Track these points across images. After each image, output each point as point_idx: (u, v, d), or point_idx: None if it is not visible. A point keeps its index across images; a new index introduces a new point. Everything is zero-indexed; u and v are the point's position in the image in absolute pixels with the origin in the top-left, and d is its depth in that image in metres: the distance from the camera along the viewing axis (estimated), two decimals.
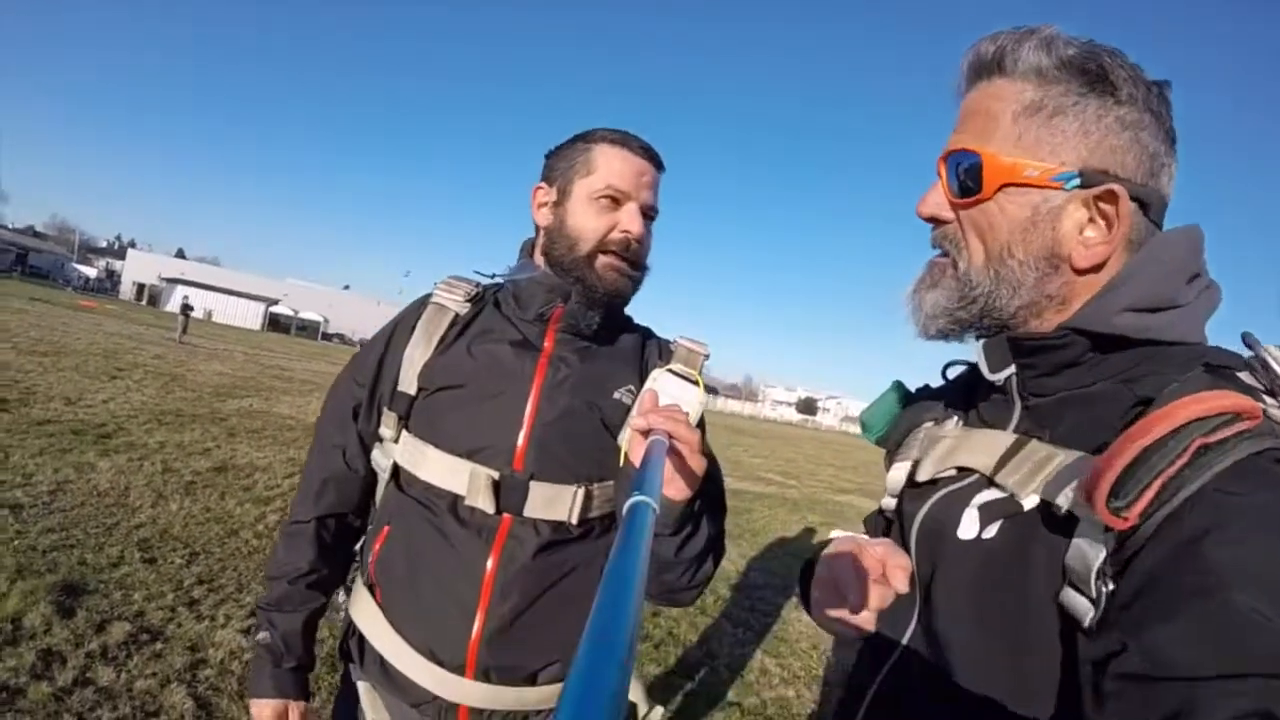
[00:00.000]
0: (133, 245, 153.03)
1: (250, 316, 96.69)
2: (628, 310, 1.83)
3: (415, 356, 1.70)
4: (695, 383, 1.38)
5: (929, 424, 1.21)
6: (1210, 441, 0.77)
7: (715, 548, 1.57)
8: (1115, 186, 0.91)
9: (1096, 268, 0.96)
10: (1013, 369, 1.02)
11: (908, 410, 1.28)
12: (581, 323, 1.68)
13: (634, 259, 1.67)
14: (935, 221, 1.06)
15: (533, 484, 1.59)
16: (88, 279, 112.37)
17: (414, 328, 1.73)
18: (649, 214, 1.69)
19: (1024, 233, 0.97)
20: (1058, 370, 0.99)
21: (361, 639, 1.67)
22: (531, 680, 1.61)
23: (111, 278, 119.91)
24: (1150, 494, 0.76)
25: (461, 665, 1.56)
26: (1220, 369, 0.88)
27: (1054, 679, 0.87)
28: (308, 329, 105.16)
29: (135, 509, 6.46)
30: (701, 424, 1.46)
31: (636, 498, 0.67)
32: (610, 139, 1.67)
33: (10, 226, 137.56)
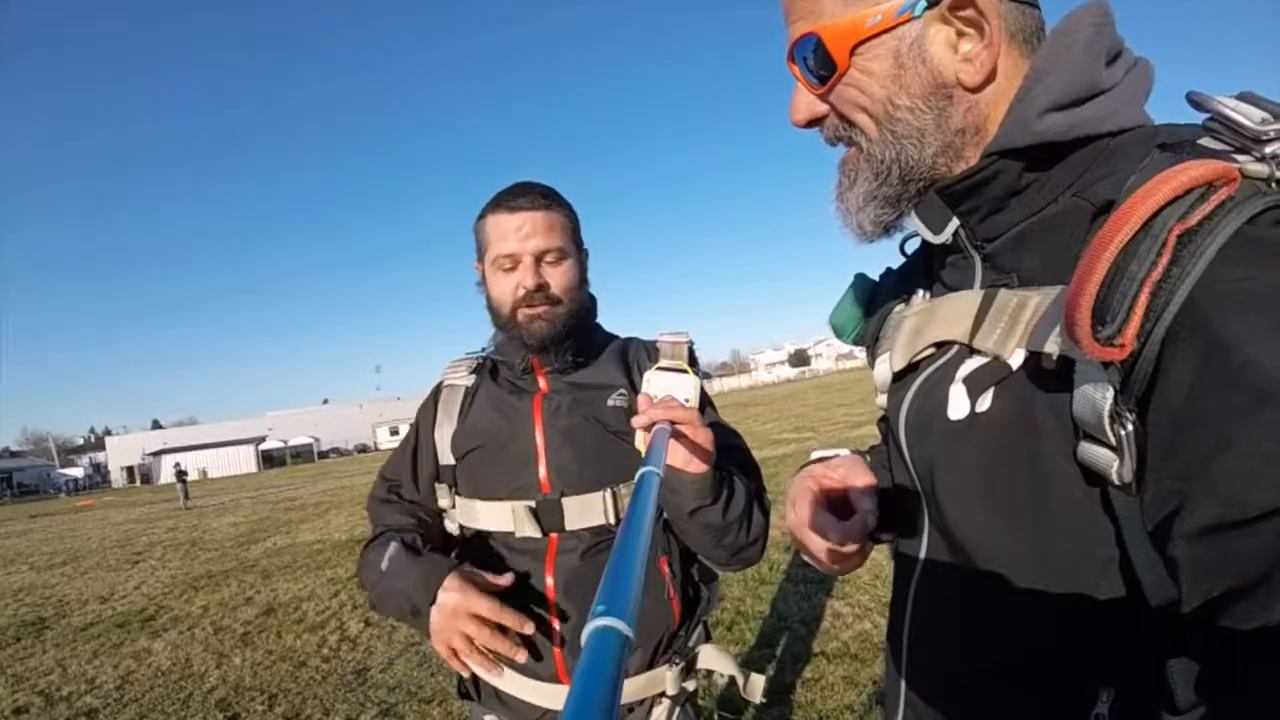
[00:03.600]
0: (108, 433, 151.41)
1: (243, 462, 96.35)
2: (616, 330, 2.07)
3: (444, 434, 1.92)
4: (684, 371, 1.50)
5: (900, 308, 1.14)
6: (1190, 224, 0.67)
7: (759, 500, 1.74)
8: None
9: (992, 77, 0.87)
10: (955, 222, 0.94)
11: (876, 300, 1.24)
12: (554, 363, 1.86)
13: (548, 301, 1.80)
14: (815, 123, 1.00)
15: (564, 500, 1.74)
16: (76, 480, 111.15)
17: (435, 414, 1.96)
18: (545, 258, 1.80)
19: (896, 81, 0.89)
20: (1001, 204, 0.90)
21: (475, 677, 1.81)
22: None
23: (99, 470, 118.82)
24: (1140, 309, 0.67)
25: (555, 674, 1.72)
26: (1178, 146, 0.77)
27: (1087, 547, 0.80)
28: (302, 454, 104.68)
29: (202, 675, 6.51)
30: (705, 403, 1.61)
31: (643, 469, 0.76)
32: (491, 208, 1.83)
33: None
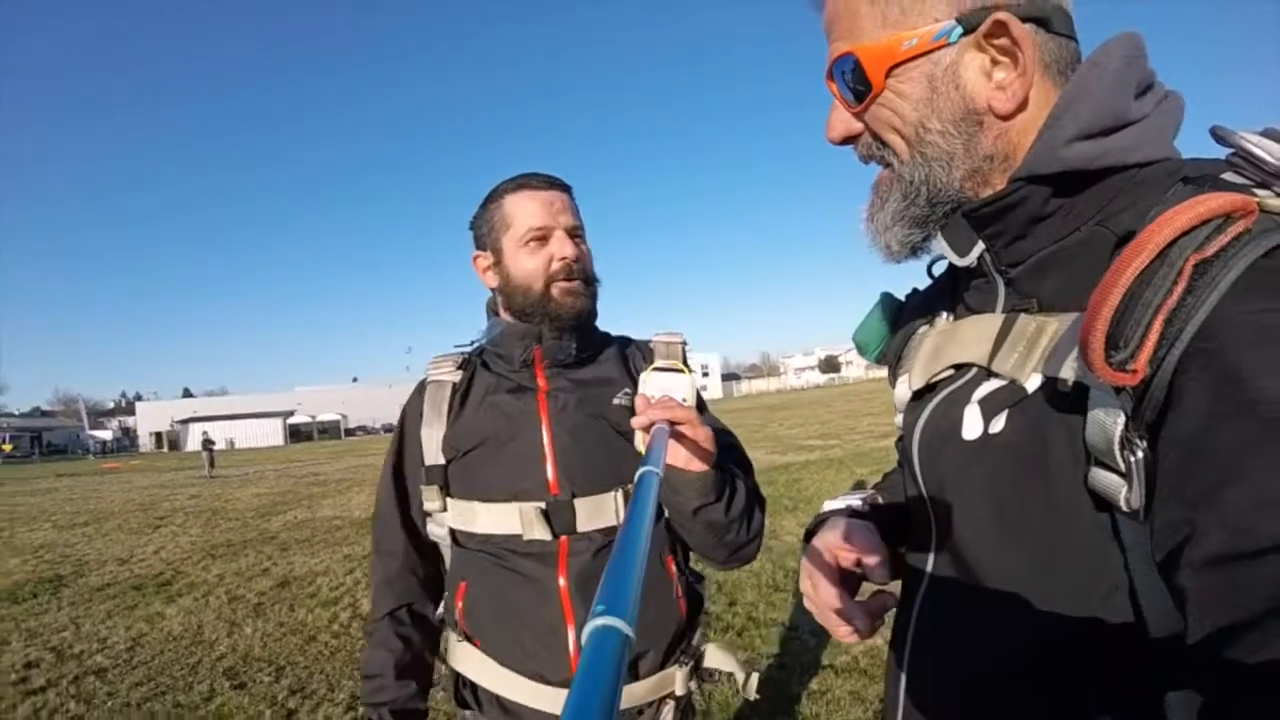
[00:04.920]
0: (139, 398, 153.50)
1: (271, 434, 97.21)
2: (610, 328, 2.01)
3: (432, 433, 1.85)
4: (680, 370, 1.48)
5: (923, 328, 1.15)
6: (1207, 255, 0.67)
7: (757, 498, 1.72)
8: (999, 15, 0.84)
9: (1024, 105, 0.88)
10: (980, 246, 0.94)
11: (900, 319, 1.24)
12: (560, 354, 1.82)
13: (582, 277, 1.80)
14: (850, 140, 1.01)
15: (576, 501, 1.71)
16: (104, 442, 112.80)
17: (421, 410, 1.89)
18: (575, 233, 1.81)
19: (929, 105, 0.90)
20: (1026, 230, 0.90)
21: (474, 686, 1.77)
22: (634, 674, 1.70)
23: (128, 434, 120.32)
24: (1154, 335, 0.68)
25: (567, 679, 1.66)
26: (1201, 179, 0.78)
27: (1092, 573, 0.79)
28: (329, 430, 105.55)
29: (213, 643, 6.57)
30: (701, 404, 1.58)
31: (642, 469, 0.76)
32: (511, 188, 1.82)
33: (17, 413, 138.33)
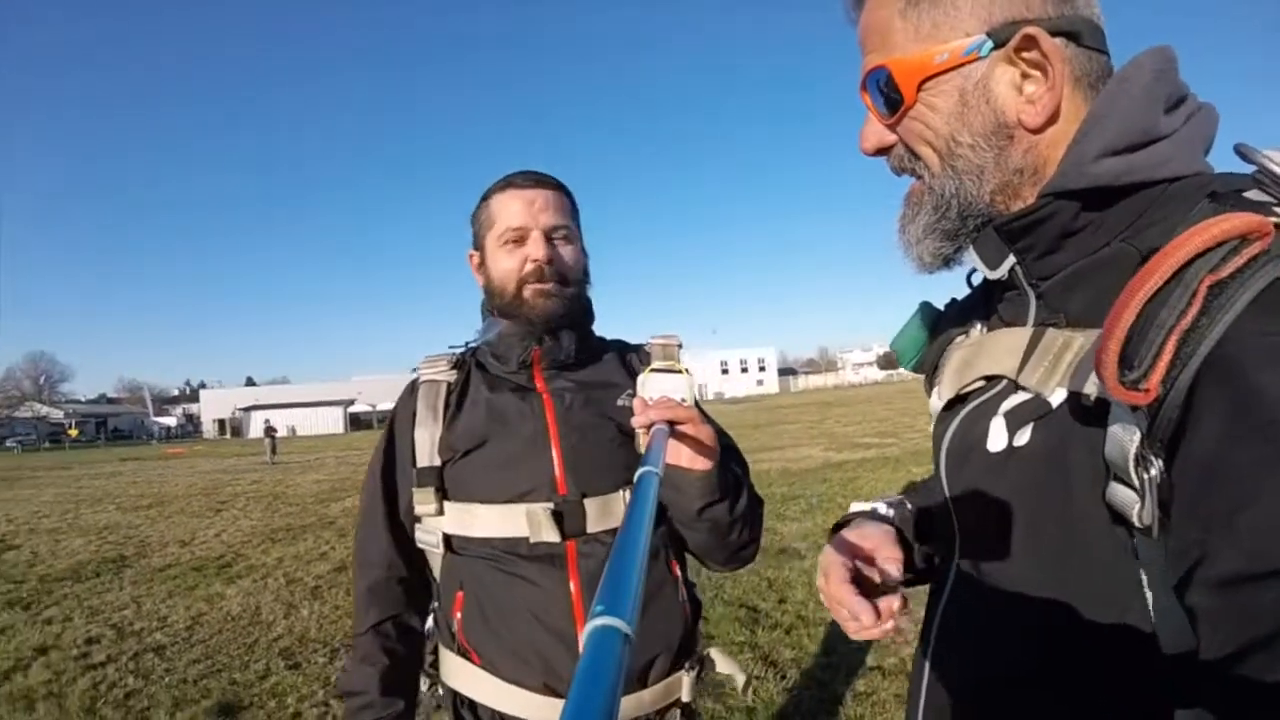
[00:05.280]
0: (203, 386, 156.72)
1: (331, 422, 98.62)
2: (608, 332, 1.99)
3: (426, 433, 1.79)
4: (678, 371, 1.45)
5: (959, 338, 1.16)
6: (1222, 276, 0.67)
7: (757, 499, 1.73)
8: (1029, 30, 0.85)
9: (1054, 119, 0.88)
10: (1012, 259, 0.94)
11: (938, 329, 1.24)
12: (560, 354, 1.77)
13: (556, 278, 1.74)
14: (883, 151, 1.02)
15: (586, 502, 1.66)
16: (169, 428, 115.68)
17: (414, 410, 1.83)
18: (555, 233, 1.76)
19: (960, 118, 0.91)
20: (1056, 244, 0.90)
21: (472, 704, 1.69)
22: (643, 681, 1.65)
23: (191, 421, 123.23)
24: (1166, 356, 0.68)
25: None
26: (1225, 196, 0.78)
27: (1107, 588, 0.81)
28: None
29: (270, 624, 6.67)
30: (697, 405, 1.52)
31: (642, 470, 0.76)
32: (499, 186, 1.79)
33: (83, 399, 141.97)
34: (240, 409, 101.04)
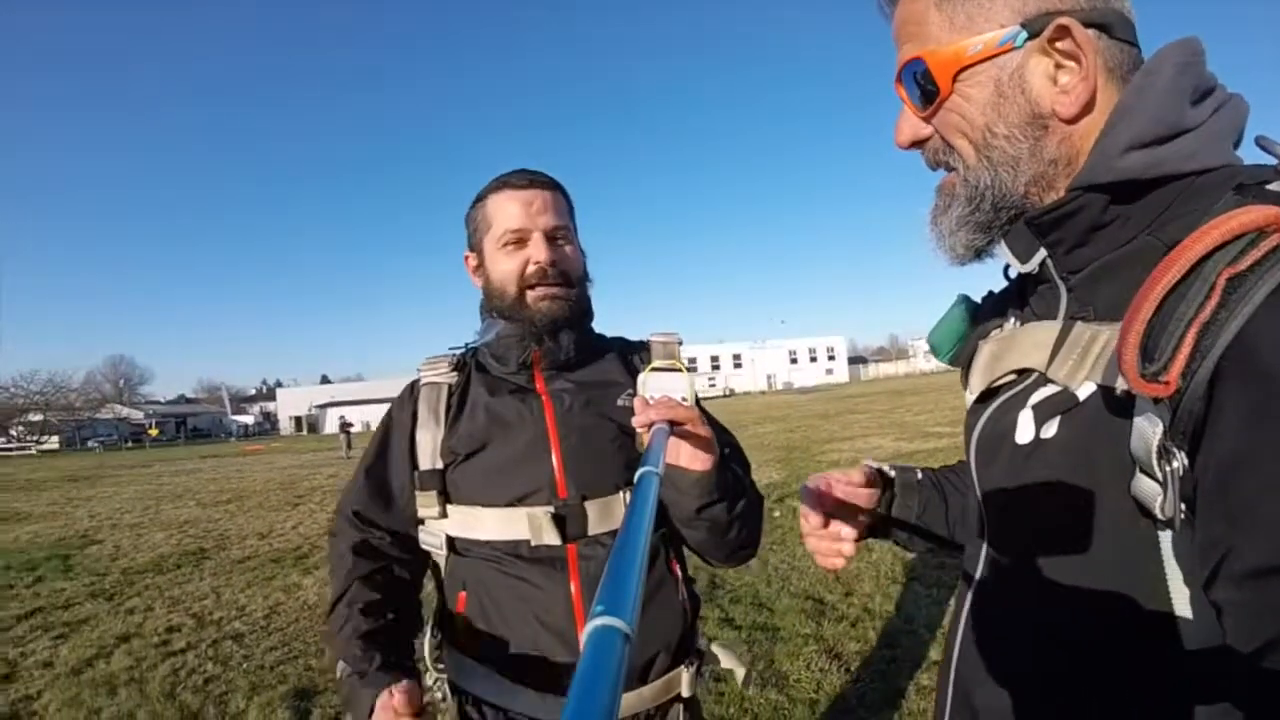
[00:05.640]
0: (279, 385, 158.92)
1: None
2: (610, 328, 1.99)
3: (428, 436, 1.79)
4: (679, 370, 1.47)
5: (994, 331, 1.15)
6: (1240, 269, 0.67)
7: (757, 498, 1.74)
8: (1062, 20, 0.85)
9: (1088, 109, 0.88)
10: (1043, 253, 0.95)
11: (975, 322, 1.25)
12: (560, 355, 1.78)
13: (561, 280, 1.75)
14: (918, 144, 1.03)
15: (586, 504, 1.66)
16: (247, 426, 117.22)
17: (415, 412, 1.83)
18: (555, 234, 1.76)
19: (996, 108, 0.91)
20: (1085, 238, 0.90)
21: (478, 700, 1.68)
22: (643, 678, 1.66)
23: (268, 419, 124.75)
24: (1186, 348, 0.68)
25: None
26: (1250, 187, 0.78)
27: (1130, 581, 0.81)
28: None
29: None
30: (698, 403, 1.54)
31: (642, 470, 0.77)
32: (495, 187, 1.78)
33: (163, 400, 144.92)
34: (316, 406, 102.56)
